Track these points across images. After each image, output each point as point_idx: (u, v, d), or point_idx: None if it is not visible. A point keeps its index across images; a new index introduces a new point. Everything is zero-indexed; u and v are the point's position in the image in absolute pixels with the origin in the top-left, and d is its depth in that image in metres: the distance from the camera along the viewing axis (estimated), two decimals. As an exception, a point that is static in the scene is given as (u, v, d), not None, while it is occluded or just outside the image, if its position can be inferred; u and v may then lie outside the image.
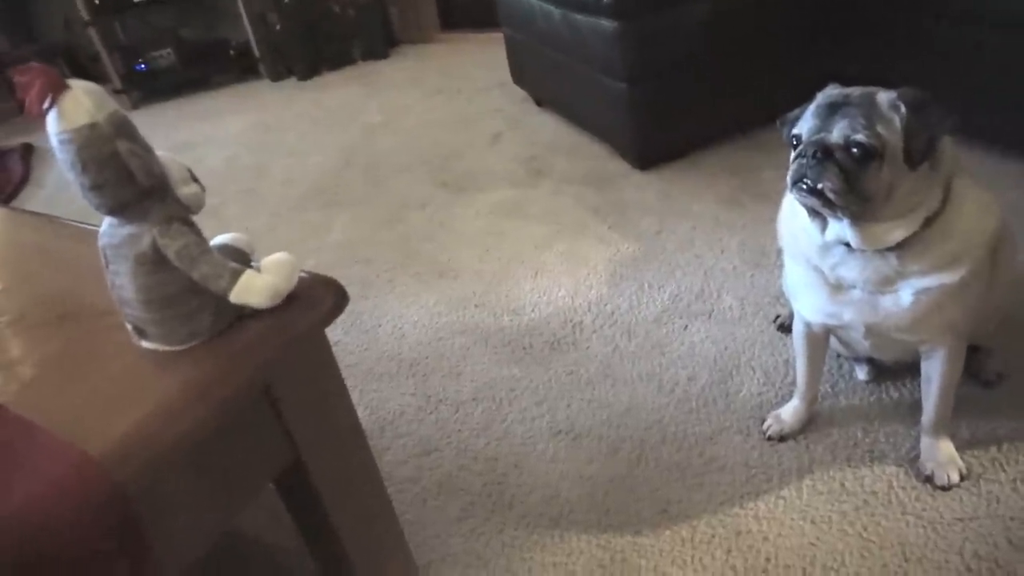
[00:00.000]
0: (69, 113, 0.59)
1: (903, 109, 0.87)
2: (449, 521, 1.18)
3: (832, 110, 0.90)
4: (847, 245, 0.95)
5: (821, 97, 0.94)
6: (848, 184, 0.87)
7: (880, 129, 0.87)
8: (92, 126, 0.60)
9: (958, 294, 0.95)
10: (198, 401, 0.63)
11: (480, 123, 2.82)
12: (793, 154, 0.93)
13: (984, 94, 1.76)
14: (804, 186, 0.90)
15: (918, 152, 0.86)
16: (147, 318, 0.67)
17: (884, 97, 0.89)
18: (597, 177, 2.23)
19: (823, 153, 0.88)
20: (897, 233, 0.91)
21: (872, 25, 2.09)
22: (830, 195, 0.88)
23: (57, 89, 0.59)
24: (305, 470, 0.77)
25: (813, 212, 0.96)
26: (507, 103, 2.96)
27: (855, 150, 0.87)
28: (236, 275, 0.67)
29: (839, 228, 0.94)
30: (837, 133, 0.88)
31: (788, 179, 0.92)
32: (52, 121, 0.60)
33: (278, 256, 0.72)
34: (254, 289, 0.68)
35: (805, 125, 0.93)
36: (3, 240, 1.06)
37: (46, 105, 0.59)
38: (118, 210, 0.64)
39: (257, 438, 0.72)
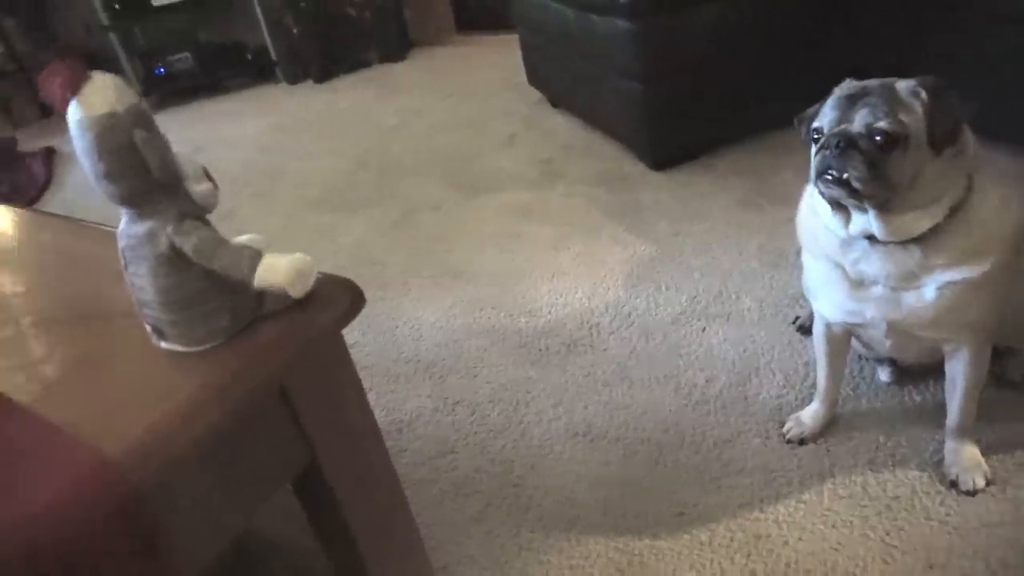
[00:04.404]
0: (90, 101, 0.60)
1: (923, 95, 0.87)
2: (466, 523, 1.17)
3: (852, 101, 0.90)
4: (869, 239, 0.94)
5: (839, 90, 0.94)
6: (873, 172, 0.87)
7: (902, 116, 0.87)
8: (111, 115, 0.60)
9: (982, 289, 0.94)
10: (215, 402, 0.63)
11: (495, 124, 2.82)
12: (815, 148, 0.93)
13: (1008, 94, 1.73)
14: (829, 177, 0.90)
15: (943, 135, 0.87)
16: (166, 319, 0.67)
17: (903, 85, 0.89)
18: (613, 178, 2.22)
19: (846, 143, 0.88)
20: (922, 223, 0.91)
21: (887, 24, 2.06)
22: (856, 184, 0.88)
23: (80, 79, 0.60)
24: (321, 471, 0.77)
25: (837, 205, 0.95)
26: (522, 104, 2.96)
27: (878, 138, 0.87)
28: (256, 258, 0.66)
29: (863, 221, 0.93)
30: (859, 122, 0.88)
31: (812, 172, 0.92)
32: (73, 108, 0.60)
33: (296, 255, 0.72)
34: (278, 270, 0.66)
35: (826, 118, 0.93)
36: (25, 242, 1.07)
37: (70, 95, 0.59)
38: (129, 200, 0.64)
39: (274, 439, 0.72)
